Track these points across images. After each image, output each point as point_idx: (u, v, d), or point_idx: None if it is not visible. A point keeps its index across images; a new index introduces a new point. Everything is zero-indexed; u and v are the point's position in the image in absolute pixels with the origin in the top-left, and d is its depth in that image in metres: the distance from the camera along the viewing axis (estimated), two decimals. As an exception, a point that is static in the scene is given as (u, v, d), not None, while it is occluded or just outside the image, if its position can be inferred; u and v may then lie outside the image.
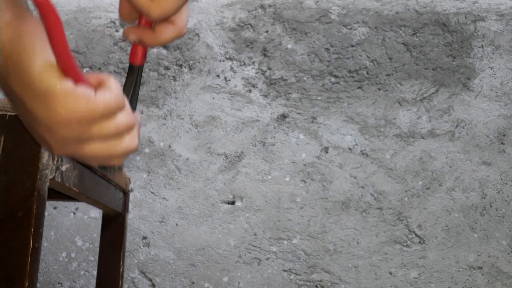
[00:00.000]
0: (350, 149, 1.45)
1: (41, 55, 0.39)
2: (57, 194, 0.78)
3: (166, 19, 0.51)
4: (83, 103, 0.39)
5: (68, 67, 0.39)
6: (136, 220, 1.41)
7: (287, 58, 1.52)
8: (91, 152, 0.43)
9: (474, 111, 1.47)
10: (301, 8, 1.56)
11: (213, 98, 1.50)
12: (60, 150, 0.43)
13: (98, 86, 0.42)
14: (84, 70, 1.54)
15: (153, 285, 1.38)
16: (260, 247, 1.39)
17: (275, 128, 1.47)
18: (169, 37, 0.51)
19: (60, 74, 0.39)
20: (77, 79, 0.40)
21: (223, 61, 1.53)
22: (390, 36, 1.52)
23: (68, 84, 0.39)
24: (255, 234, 1.40)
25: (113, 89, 0.42)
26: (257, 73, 1.51)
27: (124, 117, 0.43)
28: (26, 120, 0.42)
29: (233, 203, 1.43)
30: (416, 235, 1.39)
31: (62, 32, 0.37)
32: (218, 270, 1.38)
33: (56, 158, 0.60)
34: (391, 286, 1.37)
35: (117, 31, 1.55)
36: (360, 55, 1.51)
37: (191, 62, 1.53)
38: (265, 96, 1.50)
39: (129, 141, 0.44)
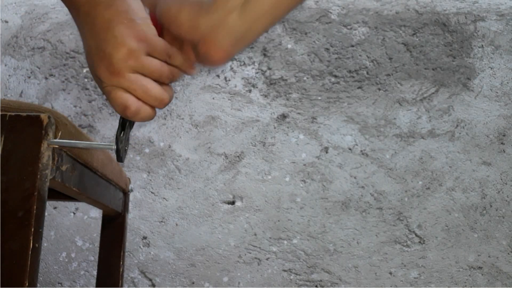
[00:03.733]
0: (350, 149, 1.45)
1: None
2: (57, 194, 0.78)
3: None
4: (148, 32, 0.51)
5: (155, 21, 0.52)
6: (136, 220, 1.41)
7: (287, 58, 1.52)
8: (133, 81, 0.51)
9: (474, 111, 1.47)
10: (301, 8, 1.56)
11: (213, 98, 1.50)
12: (115, 68, 0.50)
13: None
14: (84, 71, 1.54)
15: (153, 285, 1.38)
16: (260, 247, 1.39)
17: (275, 128, 1.47)
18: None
19: (148, 16, 0.51)
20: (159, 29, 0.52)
21: (223, 61, 1.52)
22: (390, 36, 1.52)
23: (149, 18, 0.51)
24: (255, 234, 1.40)
25: (171, 46, 0.52)
26: (257, 73, 1.51)
27: (172, 69, 0.52)
28: (89, 48, 0.51)
29: (233, 203, 1.43)
30: (416, 235, 1.39)
31: None
32: (218, 270, 1.38)
33: (56, 158, 0.60)
34: (391, 286, 1.37)
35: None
36: (360, 55, 1.51)
37: (191, 62, 1.53)
38: (265, 96, 1.50)
39: (166, 89, 0.53)
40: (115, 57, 0.50)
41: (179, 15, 0.50)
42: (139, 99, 0.51)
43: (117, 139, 0.57)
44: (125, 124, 0.57)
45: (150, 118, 0.53)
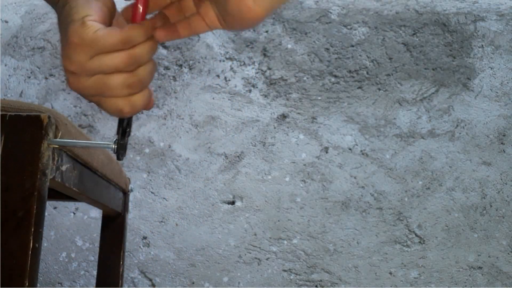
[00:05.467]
0: (350, 149, 1.45)
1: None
2: (57, 194, 0.78)
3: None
4: (90, 32, 0.47)
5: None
6: (136, 220, 1.41)
7: (287, 58, 1.52)
8: (94, 86, 0.48)
9: (474, 111, 1.47)
10: (301, 8, 1.56)
11: (213, 98, 1.50)
12: (72, 83, 0.49)
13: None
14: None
15: (153, 285, 1.38)
16: (260, 247, 1.39)
17: (275, 128, 1.47)
18: (202, 30, 0.51)
19: (91, 19, 0.47)
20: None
21: (223, 61, 1.53)
22: (390, 36, 1.52)
23: (88, 19, 0.47)
24: (255, 234, 1.40)
25: (124, 30, 0.48)
26: (257, 73, 1.51)
27: (133, 52, 0.48)
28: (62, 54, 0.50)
29: (233, 203, 1.42)
30: (416, 235, 1.39)
31: None
32: (218, 270, 1.38)
33: (56, 158, 0.60)
34: (391, 286, 1.37)
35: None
36: (360, 55, 1.51)
37: (191, 62, 1.53)
38: (265, 96, 1.50)
39: (138, 73, 0.49)
40: (67, 66, 0.48)
41: None
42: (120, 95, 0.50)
43: (119, 136, 0.58)
44: (123, 120, 0.58)
45: (145, 103, 0.51)
